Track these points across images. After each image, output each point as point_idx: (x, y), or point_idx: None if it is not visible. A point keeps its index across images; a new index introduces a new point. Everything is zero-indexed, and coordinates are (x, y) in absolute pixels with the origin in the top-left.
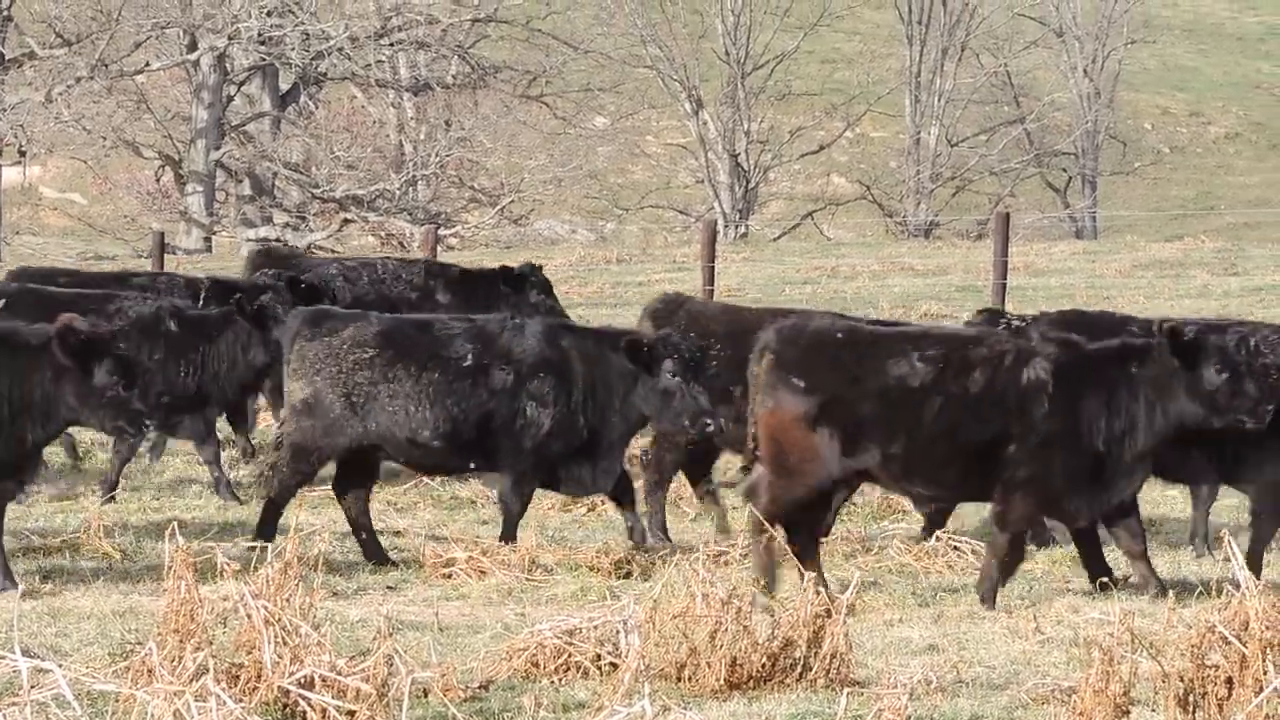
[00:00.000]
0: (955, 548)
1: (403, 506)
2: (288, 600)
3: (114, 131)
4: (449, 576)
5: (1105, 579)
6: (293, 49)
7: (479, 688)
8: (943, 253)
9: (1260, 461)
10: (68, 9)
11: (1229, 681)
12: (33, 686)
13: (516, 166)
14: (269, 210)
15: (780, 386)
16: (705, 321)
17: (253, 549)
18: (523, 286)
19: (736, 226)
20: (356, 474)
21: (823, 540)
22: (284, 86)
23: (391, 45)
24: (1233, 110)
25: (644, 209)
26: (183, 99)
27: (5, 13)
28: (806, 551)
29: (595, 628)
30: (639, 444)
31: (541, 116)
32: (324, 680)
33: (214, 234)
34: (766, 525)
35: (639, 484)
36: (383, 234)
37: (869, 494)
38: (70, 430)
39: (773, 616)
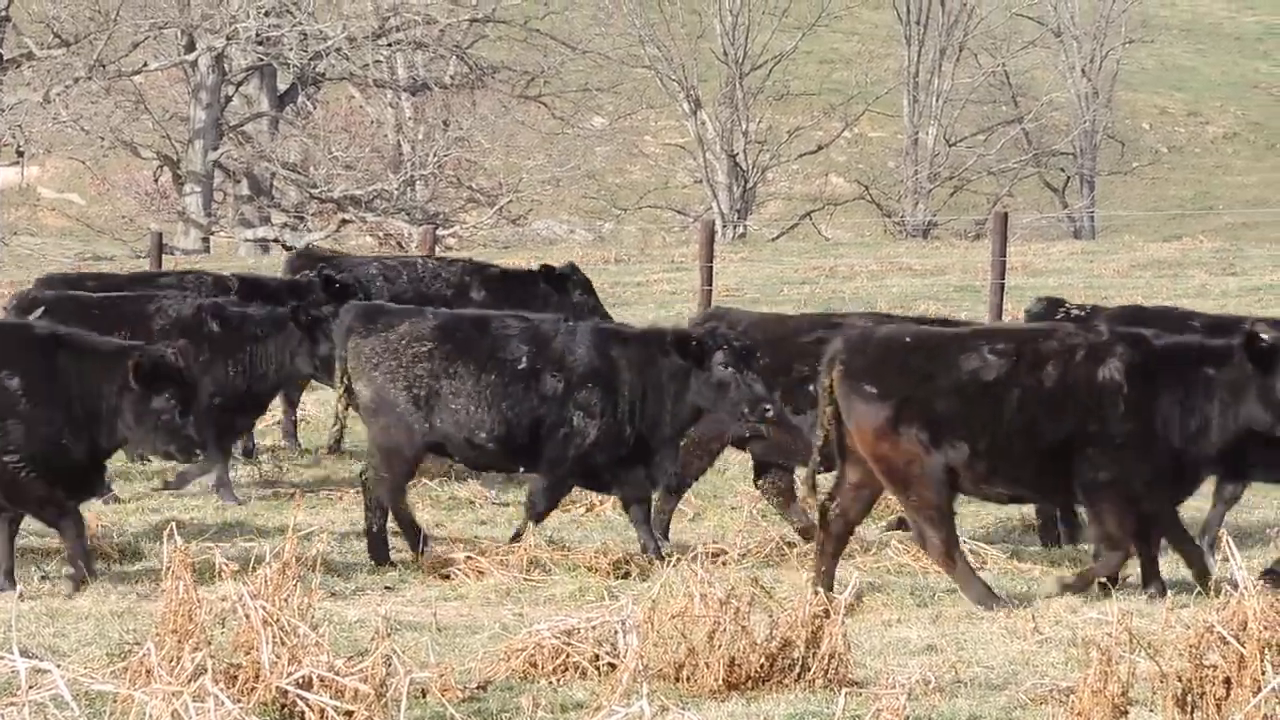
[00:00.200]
0: None
1: None
2: (286, 601)
3: (112, 132)
4: (447, 577)
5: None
6: (291, 49)
7: (477, 688)
8: (941, 253)
9: None
10: (66, 9)
11: (1227, 682)
12: (31, 687)
13: (514, 166)
14: (267, 210)
15: (854, 397)
16: (751, 330)
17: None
18: (565, 286)
19: (735, 226)
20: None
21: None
22: (282, 87)
23: (389, 45)
24: (1231, 110)
25: (642, 209)
26: (181, 99)
27: (3, 13)
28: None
29: (593, 628)
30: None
31: (539, 116)
32: (322, 680)
33: (212, 234)
34: (946, 552)
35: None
36: (381, 234)
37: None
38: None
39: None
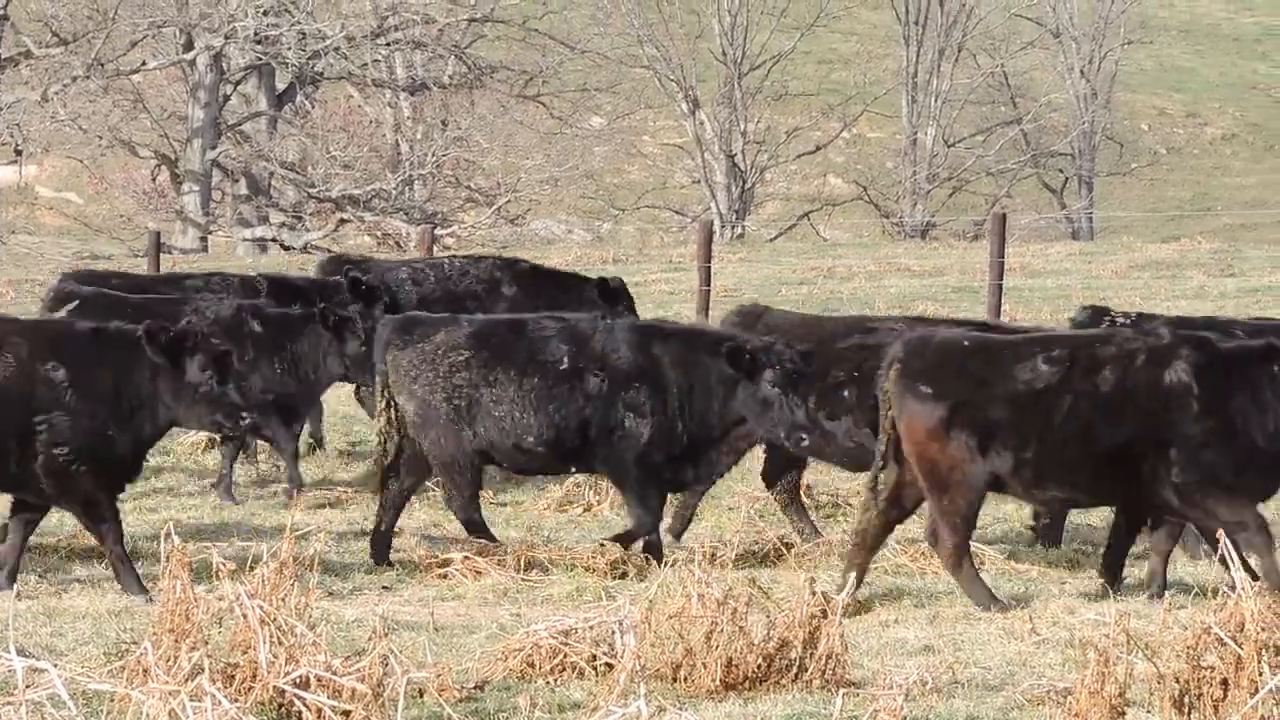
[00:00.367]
0: None
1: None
2: (283, 600)
3: (110, 131)
4: (445, 577)
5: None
6: (289, 48)
7: (474, 688)
8: (939, 253)
9: None
10: (64, 8)
11: (1224, 683)
12: (28, 686)
13: (513, 166)
14: (265, 210)
15: (909, 397)
16: (784, 332)
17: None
18: (614, 298)
19: (733, 227)
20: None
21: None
22: (280, 86)
23: (388, 45)
24: (1229, 111)
25: (640, 209)
26: (179, 98)
27: (2, 11)
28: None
29: (591, 628)
30: None
31: (538, 116)
32: (319, 680)
33: (210, 233)
34: (958, 557)
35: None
36: (379, 234)
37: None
38: None
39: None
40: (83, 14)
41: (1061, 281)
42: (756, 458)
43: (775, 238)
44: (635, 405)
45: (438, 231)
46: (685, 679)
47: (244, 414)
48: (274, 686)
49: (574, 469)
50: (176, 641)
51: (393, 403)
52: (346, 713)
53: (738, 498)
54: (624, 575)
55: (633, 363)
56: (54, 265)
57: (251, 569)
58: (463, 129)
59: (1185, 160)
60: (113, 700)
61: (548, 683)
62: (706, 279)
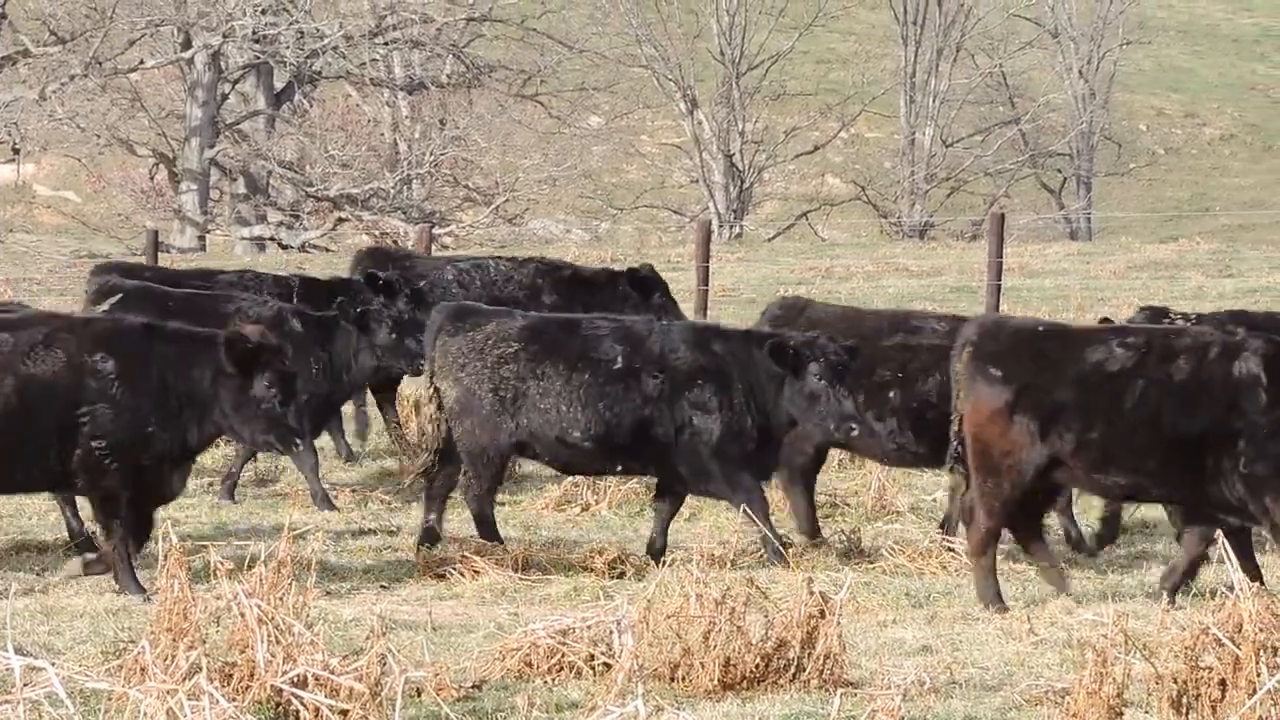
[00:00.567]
0: (949, 549)
1: (396, 506)
2: (281, 599)
3: (108, 129)
4: (443, 576)
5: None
6: (287, 47)
7: (472, 687)
8: (937, 254)
9: None
10: (62, 6)
11: (1222, 683)
12: (26, 684)
13: (511, 166)
14: (263, 209)
15: (979, 379)
16: (826, 327)
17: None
18: (647, 289)
19: (731, 226)
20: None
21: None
22: (279, 85)
23: (386, 44)
24: (1228, 112)
25: (638, 209)
26: (177, 97)
27: (0, 10)
28: (1034, 541)
29: (589, 627)
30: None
31: (536, 116)
32: (317, 679)
33: (208, 232)
34: (984, 544)
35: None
36: (377, 233)
37: (863, 495)
38: None
39: None
40: (81, 12)
41: (1059, 282)
42: None
43: (773, 237)
44: (701, 404)
45: (436, 230)
46: (683, 679)
47: (297, 440)
48: (272, 685)
49: (619, 468)
50: (174, 640)
51: (438, 390)
52: (344, 712)
53: None
54: (622, 575)
55: (693, 362)
56: (51, 265)
57: (249, 568)
58: (461, 128)
59: (1183, 161)
60: (110, 699)
61: (545, 682)
62: (704, 279)
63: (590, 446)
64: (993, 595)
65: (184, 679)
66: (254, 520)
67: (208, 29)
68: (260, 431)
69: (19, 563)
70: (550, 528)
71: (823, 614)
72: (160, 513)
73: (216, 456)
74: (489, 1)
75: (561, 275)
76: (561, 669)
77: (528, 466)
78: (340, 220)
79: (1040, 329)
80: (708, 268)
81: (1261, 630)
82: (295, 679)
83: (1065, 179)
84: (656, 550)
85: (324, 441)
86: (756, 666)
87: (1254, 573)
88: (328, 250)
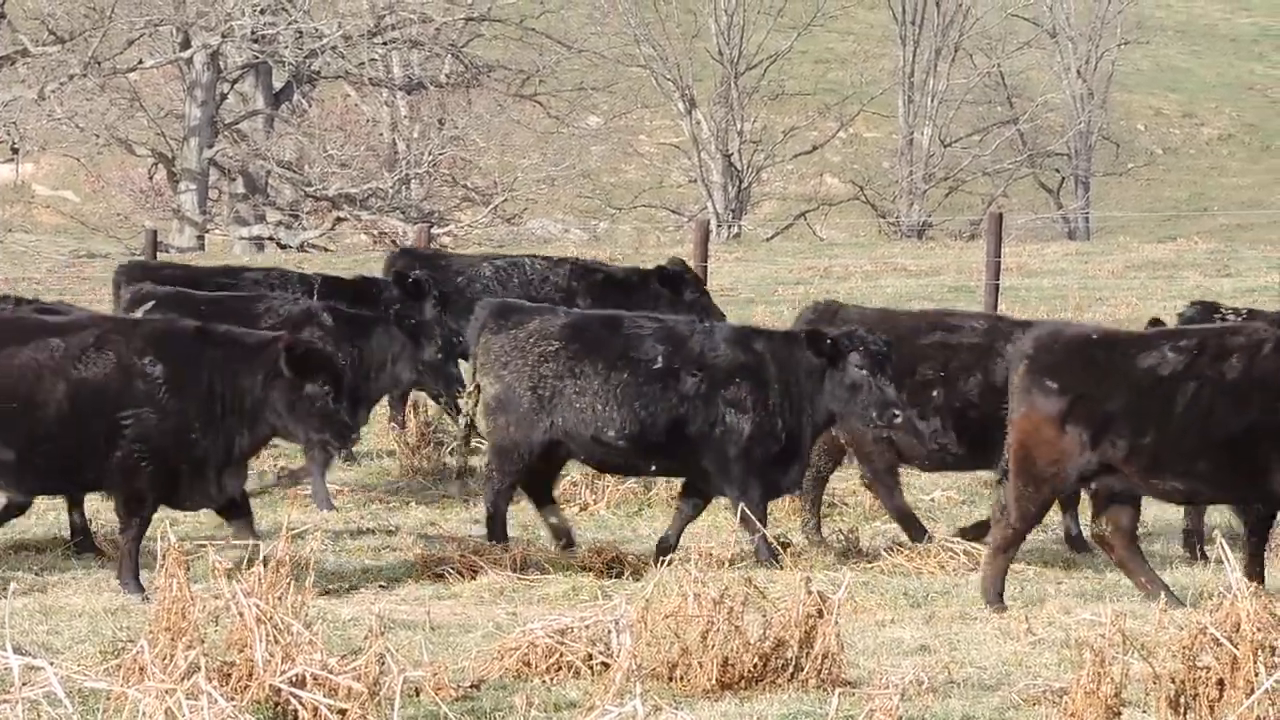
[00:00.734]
0: (947, 549)
1: (394, 505)
2: (279, 599)
3: (107, 129)
4: (441, 576)
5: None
6: (286, 47)
7: (471, 687)
8: (935, 253)
9: None
10: (61, 6)
11: (1220, 683)
12: (24, 684)
13: (510, 165)
14: (262, 208)
15: (1034, 390)
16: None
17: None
18: (678, 287)
19: (729, 226)
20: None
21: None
22: (277, 84)
23: (385, 44)
24: (1226, 111)
25: (637, 208)
26: (176, 97)
27: None
28: (1132, 559)
29: (587, 627)
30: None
31: (535, 115)
32: (315, 679)
33: (207, 232)
34: (1007, 545)
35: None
36: (375, 232)
37: (862, 495)
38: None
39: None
40: (80, 12)
41: (1058, 281)
42: None
43: (772, 237)
44: (737, 404)
45: (434, 230)
46: (681, 678)
47: (354, 434)
48: (270, 685)
49: (654, 467)
50: (173, 640)
51: (479, 388)
52: (343, 711)
53: None
54: (620, 574)
55: (733, 361)
56: (50, 265)
57: (248, 567)
58: (459, 128)
59: (1181, 160)
60: (109, 698)
61: (544, 682)
62: (703, 278)
63: (626, 445)
64: (995, 595)
65: (182, 678)
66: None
67: (206, 29)
68: (315, 430)
69: (18, 562)
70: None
71: (821, 614)
72: (159, 512)
73: None
74: (487, 1)
75: (595, 278)
76: (560, 668)
77: None
78: (339, 220)
79: (1094, 337)
80: (706, 267)
81: (1259, 630)
82: (294, 678)
83: (1063, 179)
84: (665, 548)
85: None
86: (754, 666)
87: (1258, 574)
88: (326, 250)
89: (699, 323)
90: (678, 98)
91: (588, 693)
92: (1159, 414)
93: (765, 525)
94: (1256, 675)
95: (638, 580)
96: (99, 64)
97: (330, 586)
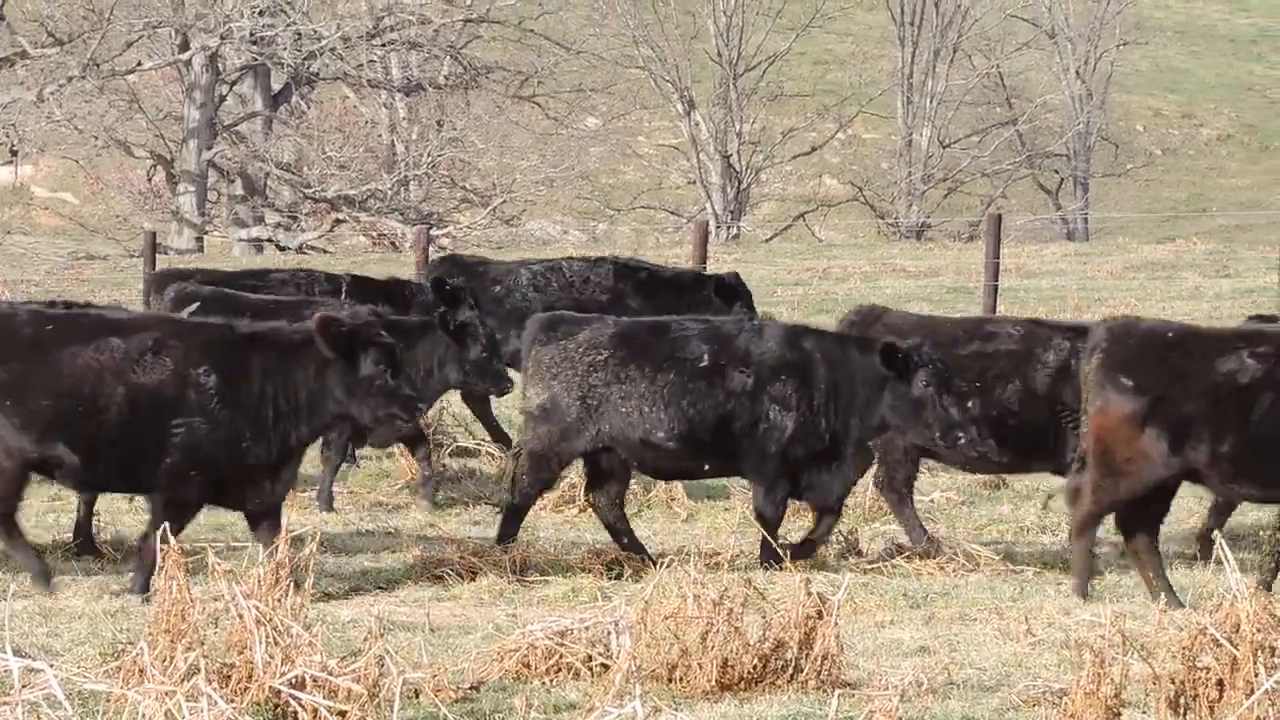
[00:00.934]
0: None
1: (395, 507)
2: (279, 601)
3: (106, 131)
4: (440, 577)
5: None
6: (285, 49)
7: (470, 688)
8: (934, 254)
9: None
10: (60, 8)
11: (1220, 684)
12: (24, 686)
13: (508, 167)
14: (261, 210)
15: (1109, 386)
16: (903, 334)
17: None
18: (731, 297)
19: (728, 227)
20: (606, 477)
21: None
22: (276, 86)
23: (384, 45)
24: (1225, 112)
25: (636, 210)
26: (175, 99)
27: None
28: (1145, 552)
29: (586, 629)
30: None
31: (533, 117)
32: (315, 680)
33: (206, 234)
34: (1084, 527)
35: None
36: (374, 234)
37: (861, 495)
38: None
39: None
40: (78, 14)
41: (1057, 282)
42: None
43: (770, 238)
44: (781, 400)
45: (433, 232)
46: (681, 680)
47: (420, 404)
48: (270, 687)
49: (708, 468)
50: (172, 642)
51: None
52: (342, 713)
53: (734, 499)
54: (619, 576)
55: (781, 360)
56: (49, 266)
57: (248, 569)
58: (458, 129)
59: (1180, 161)
60: (108, 700)
61: (543, 683)
62: None
63: (675, 446)
64: (1087, 577)
65: (182, 680)
66: None
67: (205, 31)
68: (380, 408)
69: (18, 563)
70: (548, 529)
71: (820, 615)
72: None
73: None
74: (486, 3)
75: (640, 276)
76: (559, 670)
77: None
78: (338, 221)
79: (1170, 334)
80: (705, 268)
81: (1259, 631)
82: (293, 680)
83: (1062, 180)
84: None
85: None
86: (754, 667)
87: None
88: (325, 251)
89: (749, 322)
90: (676, 99)
91: (587, 694)
92: (1238, 421)
93: (780, 524)
94: (1256, 676)
95: (637, 582)
96: (98, 66)
97: (330, 588)
